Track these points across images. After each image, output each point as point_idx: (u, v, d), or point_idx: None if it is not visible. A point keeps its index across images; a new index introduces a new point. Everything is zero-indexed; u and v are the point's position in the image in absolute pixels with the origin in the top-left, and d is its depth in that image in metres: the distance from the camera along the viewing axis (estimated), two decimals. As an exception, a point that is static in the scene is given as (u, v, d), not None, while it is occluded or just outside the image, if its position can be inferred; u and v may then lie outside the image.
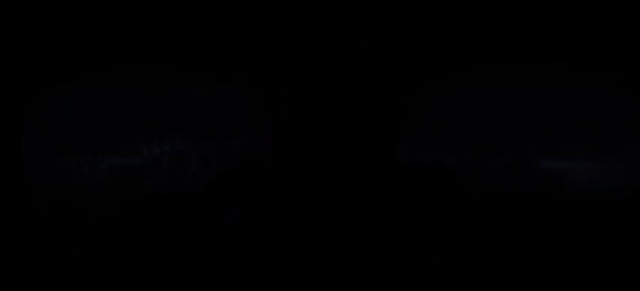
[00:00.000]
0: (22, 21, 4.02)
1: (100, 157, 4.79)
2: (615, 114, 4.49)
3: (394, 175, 4.18)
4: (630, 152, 4.41)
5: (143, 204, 4.15)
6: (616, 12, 4.13)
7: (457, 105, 4.80)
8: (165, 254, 3.92)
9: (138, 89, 4.79)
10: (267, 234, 3.96)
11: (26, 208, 4.10)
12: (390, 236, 4.00)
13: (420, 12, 4.13)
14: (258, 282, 3.79)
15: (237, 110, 4.63)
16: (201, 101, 4.74)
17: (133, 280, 3.81)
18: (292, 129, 4.18)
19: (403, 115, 4.22)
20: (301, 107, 4.15)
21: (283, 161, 4.16)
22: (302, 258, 3.87)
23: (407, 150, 4.43)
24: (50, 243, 3.99)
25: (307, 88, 4.16)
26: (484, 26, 4.17)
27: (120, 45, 4.15)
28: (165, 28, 4.12)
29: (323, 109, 4.14)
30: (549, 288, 3.83)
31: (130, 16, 4.10)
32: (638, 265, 3.84)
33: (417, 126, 4.44)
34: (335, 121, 4.14)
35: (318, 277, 3.80)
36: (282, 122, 4.20)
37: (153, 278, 3.83)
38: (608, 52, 4.16)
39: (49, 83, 4.15)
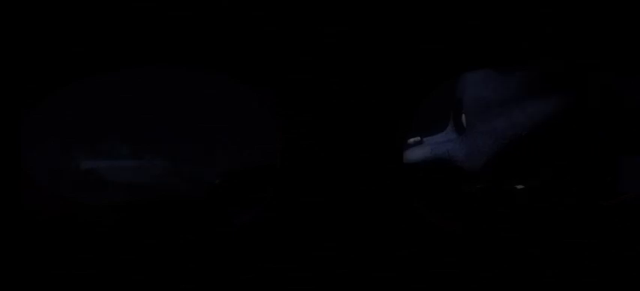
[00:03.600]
0: (22, 22, 4.03)
1: None
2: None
3: (395, 175, 4.19)
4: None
5: (148, 207, 4.15)
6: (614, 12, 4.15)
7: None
8: (172, 260, 3.91)
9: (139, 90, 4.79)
10: (275, 236, 3.95)
11: (26, 208, 4.11)
12: (390, 236, 4.01)
13: (421, 14, 4.14)
14: (266, 285, 3.78)
15: (242, 112, 4.64)
16: (206, 103, 4.75)
17: (135, 285, 3.81)
18: (295, 130, 4.19)
19: (403, 114, 4.23)
20: (304, 108, 4.16)
21: (288, 162, 4.17)
22: (307, 259, 3.88)
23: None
24: (50, 243, 4.00)
25: (310, 88, 4.17)
26: (484, 27, 4.18)
27: (120, 46, 4.16)
28: (169, 27, 4.13)
29: (326, 110, 4.15)
30: (549, 288, 3.84)
31: (130, 18, 4.11)
32: None
33: (416, 126, 4.46)
34: (338, 121, 4.15)
35: (321, 277, 3.82)
36: (285, 123, 4.21)
37: (157, 284, 3.82)
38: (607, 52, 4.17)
39: (51, 83, 4.15)
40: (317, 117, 4.14)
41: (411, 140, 4.63)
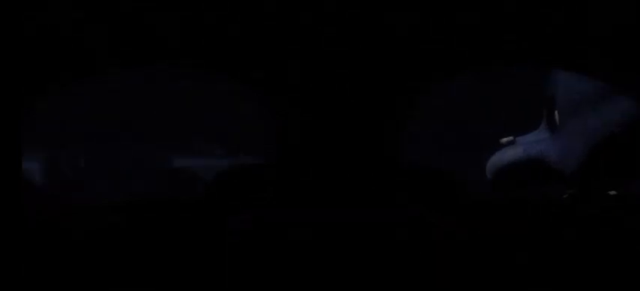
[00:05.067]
0: (23, 22, 4.03)
1: None
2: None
3: (395, 176, 4.19)
4: None
5: (143, 209, 4.13)
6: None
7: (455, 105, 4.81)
8: (169, 263, 3.88)
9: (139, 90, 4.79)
10: (274, 239, 3.92)
11: (26, 208, 4.11)
12: (391, 237, 4.01)
13: (420, 14, 4.13)
14: (266, 285, 3.76)
15: (242, 112, 4.63)
16: (204, 103, 4.74)
17: (135, 285, 3.79)
18: (293, 129, 4.19)
19: (404, 115, 4.23)
20: (302, 108, 4.16)
21: (285, 162, 4.16)
22: (307, 261, 3.87)
23: (407, 151, 4.44)
24: (50, 244, 4.00)
25: (307, 88, 4.16)
26: (483, 29, 4.18)
27: (120, 46, 4.16)
28: (169, 27, 4.13)
29: (323, 110, 4.15)
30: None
31: (130, 19, 4.11)
32: None
33: (416, 126, 4.45)
34: (336, 121, 4.14)
35: (321, 277, 3.81)
36: (283, 123, 4.20)
37: (157, 283, 3.80)
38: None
39: (52, 83, 4.15)
40: (316, 117, 4.13)
41: (504, 140, 4.50)
